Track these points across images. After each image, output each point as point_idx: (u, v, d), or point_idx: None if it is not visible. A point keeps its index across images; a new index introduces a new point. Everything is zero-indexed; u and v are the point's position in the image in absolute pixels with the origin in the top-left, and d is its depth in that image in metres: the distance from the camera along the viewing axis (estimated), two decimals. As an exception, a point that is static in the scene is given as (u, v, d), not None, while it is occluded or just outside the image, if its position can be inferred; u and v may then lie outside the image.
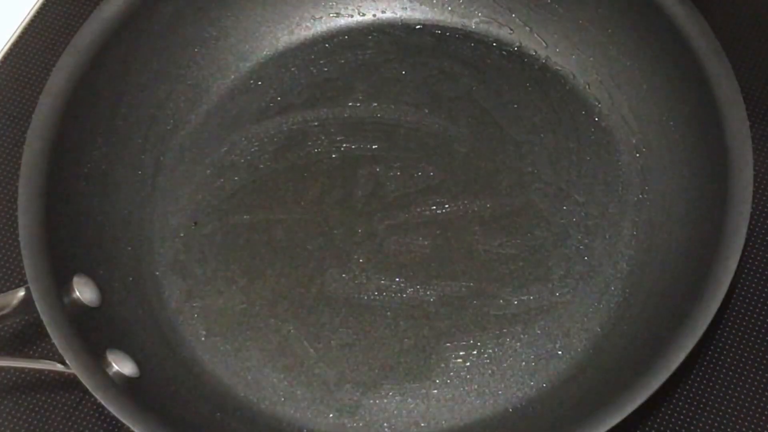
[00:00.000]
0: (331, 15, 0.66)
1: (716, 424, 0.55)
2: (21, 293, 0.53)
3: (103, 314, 0.55)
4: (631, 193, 0.60)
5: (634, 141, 0.61)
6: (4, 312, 0.53)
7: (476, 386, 0.56)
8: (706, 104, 0.56)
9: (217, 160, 0.63)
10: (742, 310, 0.58)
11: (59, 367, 0.52)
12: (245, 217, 0.61)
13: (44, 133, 0.56)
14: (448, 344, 0.57)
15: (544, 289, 0.58)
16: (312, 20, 0.66)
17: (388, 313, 0.58)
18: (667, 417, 0.56)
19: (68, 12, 0.69)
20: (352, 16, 0.66)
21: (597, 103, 0.63)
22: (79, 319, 0.53)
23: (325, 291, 0.59)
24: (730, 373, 0.57)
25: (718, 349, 0.57)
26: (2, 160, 0.65)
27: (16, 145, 0.65)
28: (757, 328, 0.58)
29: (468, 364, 0.56)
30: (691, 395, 0.56)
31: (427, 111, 0.64)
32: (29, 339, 0.59)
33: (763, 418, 0.55)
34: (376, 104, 0.64)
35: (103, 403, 0.50)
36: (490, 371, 0.56)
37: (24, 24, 0.69)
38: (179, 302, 0.59)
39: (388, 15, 0.66)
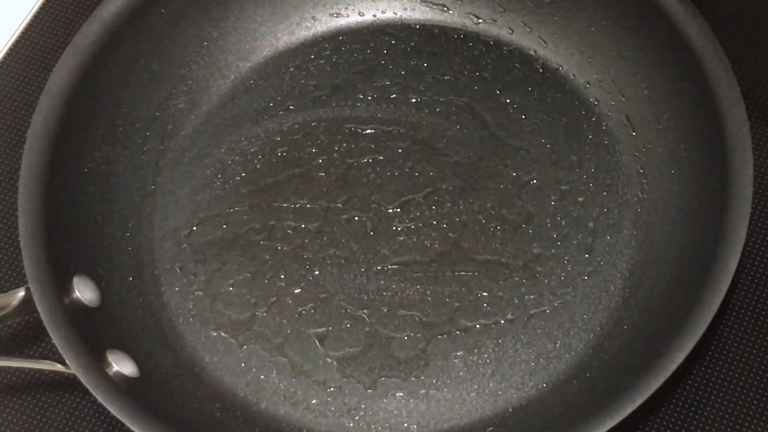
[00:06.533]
0: (331, 15, 0.66)
1: (716, 424, 0.55)
2: (21, 293, 0.53)
3: (103, 314, 0.55)
4: (631, 193, 0.60)
5: (634, 141, 0.61)
6: (4, 312, 0.53)
7: (476, 386, 0.56)
8: (706, 104, 0.56)
9: (217, 160, 0.63)
10: (742, 310, 0.58)
11: (59, 367, 0.53)
12: (245, 217, 0.61)
13: (44, 133, 0.56)
14: (448, 344, 0.57)
15: (544, 289, 0.58)
16: (312, 20, 0.66)
17: (388, 312, 0.58)
18: (667, 417, 0.56)
19: (68, 12, 0.69)
20: (351, 17, 0.66)
21: (597, 103, 0.63)
22: (79, 319, 0.53)
23: (325, 291, 0.59)
24: (730, 373, 0.57)
25: (718, 349, 0.57)
26: (2, 160, 0.65)
27: (16, 145, 0.65)
28: (757, 328, 0.58)
29: (468, 363, 0.56)
30: (691, 395, 0.56)
31: (427, 111, 0.64)
32: (29, 339, 0.59)
33: (764, 418, 0.55)
34: (376, 104, 0.64)
35: (103, 403, 0.50)
36: (490, 371, 0.56)
37: (24, 24, 0.69)
38: (179, 302, 0.59)
39: (388, 15, 0.66)
